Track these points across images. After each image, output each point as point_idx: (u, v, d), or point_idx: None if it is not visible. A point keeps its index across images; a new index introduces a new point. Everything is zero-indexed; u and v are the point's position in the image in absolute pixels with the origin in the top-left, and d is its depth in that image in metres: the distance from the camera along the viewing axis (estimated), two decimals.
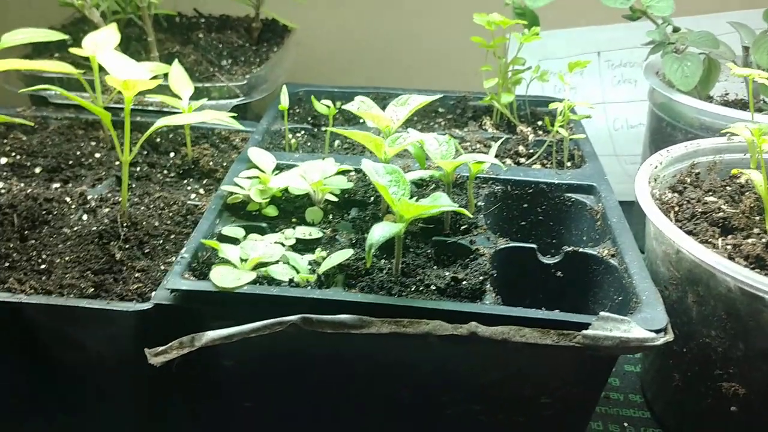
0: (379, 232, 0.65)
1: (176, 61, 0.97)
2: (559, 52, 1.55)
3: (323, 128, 1.06)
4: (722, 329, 0.71)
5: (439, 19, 1.42)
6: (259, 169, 0.87)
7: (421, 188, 0.88)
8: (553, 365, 0.70)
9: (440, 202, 0.67)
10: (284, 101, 0.97)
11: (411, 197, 0.69)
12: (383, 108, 1.16)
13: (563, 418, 0.75)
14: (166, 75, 0.94)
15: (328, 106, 0.98)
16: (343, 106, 0.84)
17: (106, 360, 0.71)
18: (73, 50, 0.88)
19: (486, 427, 0.76)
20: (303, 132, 1.07)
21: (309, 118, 1.13)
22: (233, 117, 0.88)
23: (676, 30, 1.06)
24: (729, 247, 0.72)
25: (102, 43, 0.89)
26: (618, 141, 1.52)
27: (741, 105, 1.18)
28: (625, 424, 0.85)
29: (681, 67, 1.01)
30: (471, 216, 0.72)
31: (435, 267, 0.77)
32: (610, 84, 1.54)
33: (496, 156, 0.98)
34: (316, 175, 0.82)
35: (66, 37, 0.98)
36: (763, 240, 0.73)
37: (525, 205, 0.90)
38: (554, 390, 0.72)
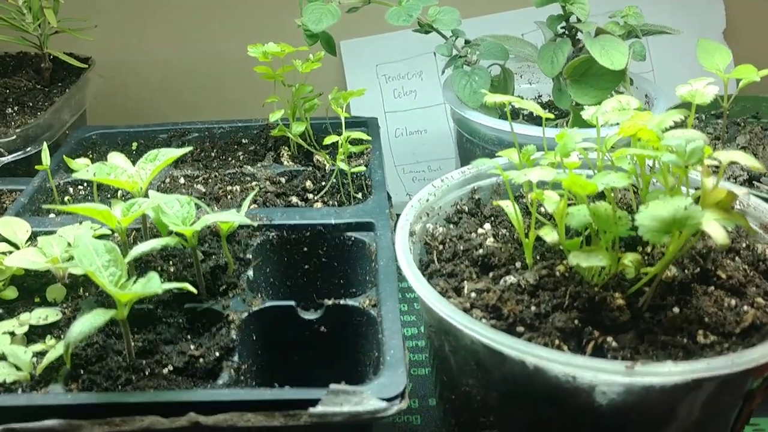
0: (79, 327, 0.60)
1: None
2: (395, 55, 1.52)
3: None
4: (476, 378, 0.68)
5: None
6: (9, 243, 0.80)
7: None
8: None
9: (151, 285, 0.62)
10: (45, 160, 0.89)
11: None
12: (184, 143, 1.12)
13: None
14: None
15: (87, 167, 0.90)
16: (79, 175, 0.77)
17: None
18: None
19: None
20: (85, 184, 1.00)
21: None
22: None
23: (467, 42, 1.03)
24: (473, 295, 0.69)
25: None
26: None
27: (549, 108, 1.16)
28: None
29: (469, 83, 0.98)
30: (196, 292, 0.67)
31: (188, 337, 0.72)
32: None
33: (281, 194, 0.94)
34: (56, 249, 0.76)
35: None
36: (509, 281, 0.70)
37: (305, 249, 0.86)
38: None
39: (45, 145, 0.91)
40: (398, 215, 0.99)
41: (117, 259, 0.65)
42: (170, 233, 0.73)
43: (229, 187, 0.95)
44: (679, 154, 0.64)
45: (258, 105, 1.18)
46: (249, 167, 1.00)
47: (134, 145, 1.09)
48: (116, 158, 0.82)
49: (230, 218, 0.74)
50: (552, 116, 0.77)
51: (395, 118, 1.49)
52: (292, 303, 0.75)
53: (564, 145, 0.69)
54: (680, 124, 0.67)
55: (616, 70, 0.91)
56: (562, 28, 0.99)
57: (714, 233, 0.59)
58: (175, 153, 0.79)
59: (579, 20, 0.96)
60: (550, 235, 0.69)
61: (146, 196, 0.77)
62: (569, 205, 0.69)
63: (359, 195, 0.95)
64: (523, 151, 0.79)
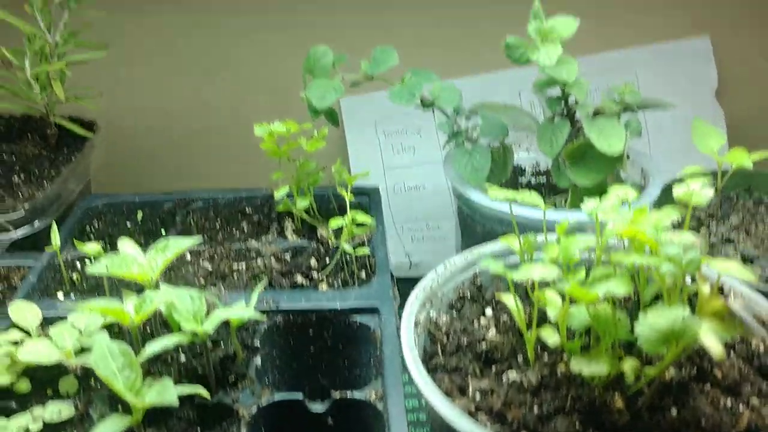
0: None
1: None
2: (395, 113, 1.54)
3: None
4: None
5: (262, 107, 1.40)
6: (21, 330, 0.82)
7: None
8: None
9: (166, 397, 0.64)
10: (54, 241, 0.91)
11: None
12: (188, 212, 1.13)
13: None
14: None
15: (99, 255, 0.90)
16: (92, 270, 0.79)
17: None
18: None
19: None
20: (93, 257, 1.02)
21: (104, 238, 1.08)
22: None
23: (468, 118, 1.05)
24: (478, 396, 0.70)
25: None
26: None
27: (547, 175, 1.18)
28: None
29: (470, 161, 1.00)
30: (206, 394, 0.69)
31: None
32: None
33: (286, 273, 0.96)
34: (69, 340, 0.78)
35: None
36: (512, 377, 0.72)
37: (311, 332, 0.88)
38: None
39: (54, 225, 0.92)
40: (398, 280, 1.02)
41: (131, 363, 0.67)
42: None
43: (235, 265, 0.97)
44: (676, 262, 0.66)
45: (260, 169, 1.20)
46: (254, 242, 1.02)
47: (139, 214, 1.11)
48: (126, 246, 0.84)
49: (241, 314, 0.76)
50: (553, 206, 0.80)
51: (394, 175, 1.51)
52: (300, 396, 0.76)
53: (566, 250, 0.71)
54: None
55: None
56: (561, 108, 1.01)
57: (711, 347, 0.61)
58: (184, 244, 0.81)
59: (577, 102, 0.99)
60: (552, 338, 0.71)
61: (157, 286, 0.79)
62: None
63: (362, 273, 0.97)
64: (524, 239, 0.82)
